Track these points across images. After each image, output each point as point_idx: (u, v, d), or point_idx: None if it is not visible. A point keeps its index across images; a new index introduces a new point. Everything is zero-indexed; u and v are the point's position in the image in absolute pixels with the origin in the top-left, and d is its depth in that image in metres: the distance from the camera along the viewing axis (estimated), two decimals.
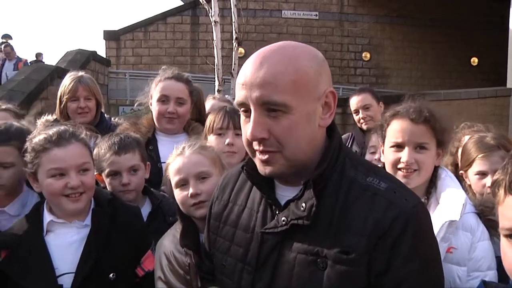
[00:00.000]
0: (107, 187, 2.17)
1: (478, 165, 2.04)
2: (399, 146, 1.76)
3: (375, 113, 3.42)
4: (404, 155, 1.73)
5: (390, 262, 1.09)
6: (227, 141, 2.15)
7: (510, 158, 0.97)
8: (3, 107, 2.86)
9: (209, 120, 2.27)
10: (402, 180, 1.69)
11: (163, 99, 2.57)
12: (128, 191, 2.14)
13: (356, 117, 3.55)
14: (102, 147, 2.17)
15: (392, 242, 1.09)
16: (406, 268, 1.09)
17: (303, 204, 1.15)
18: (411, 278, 1.10)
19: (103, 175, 2.17)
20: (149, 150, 2.55)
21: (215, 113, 2.27)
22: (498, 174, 0.98)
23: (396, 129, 1.77)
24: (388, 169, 1.78)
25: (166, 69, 2.68)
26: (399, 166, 1.75)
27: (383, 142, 1.86)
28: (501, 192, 0.95)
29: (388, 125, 1.82)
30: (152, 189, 2.29)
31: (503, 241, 0.97)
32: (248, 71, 1.14)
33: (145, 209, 2.19)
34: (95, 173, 2.18)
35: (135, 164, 2.16)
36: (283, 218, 1.18)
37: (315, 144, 1.19)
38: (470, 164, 2.08)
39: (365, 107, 3.46)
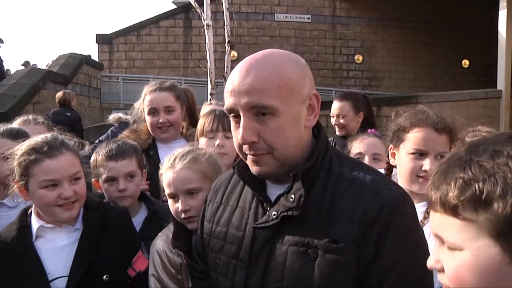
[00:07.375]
0: (104, 194, 2.16)
1: None
2: (420, 154, 1.75)
3: (348, 122, 3.48)
4: (427, 163, 1.72)
5: (378, 250, 1.13)
6: (217, 142, 2.19)
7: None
8: (39, 120, 2.80)
9: (200, 123, 2.32)
10: (419, 187, 1.73)
11: (153, 111, 2.66)
12: (125, 197, 2.13)
13: (332, 120, 3.57)
14: (100, 153, 2.16)
15: (379, 230, 1.13)
16: (394, 255, 1.13)
17: (292, 196, 1.20)
18: (399, 265, 1.14)
19: (100, 181, 2.16)
20: (150, 155, 2.61)
21: (205, 116, 2.31)
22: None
23: (419, 137, 1.75)
24: (405, 175, 1.77)
25: (150, 83, 2.78)
26: (421, 174, 1.74)
27: (396, 146, 1.84)
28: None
29: (408, 131, 1.79)
30: (148, 194, 2.29)
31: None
32: (235, 80, 1.21)
33: (141, 215, 2.19)
34: (93, 180, 2.18)
35: (132, 170, 2.15)
36: (273, 212, 1.23)
37: (302, 144, 1.25)
38: None
39: (339, 116, 3.51)
